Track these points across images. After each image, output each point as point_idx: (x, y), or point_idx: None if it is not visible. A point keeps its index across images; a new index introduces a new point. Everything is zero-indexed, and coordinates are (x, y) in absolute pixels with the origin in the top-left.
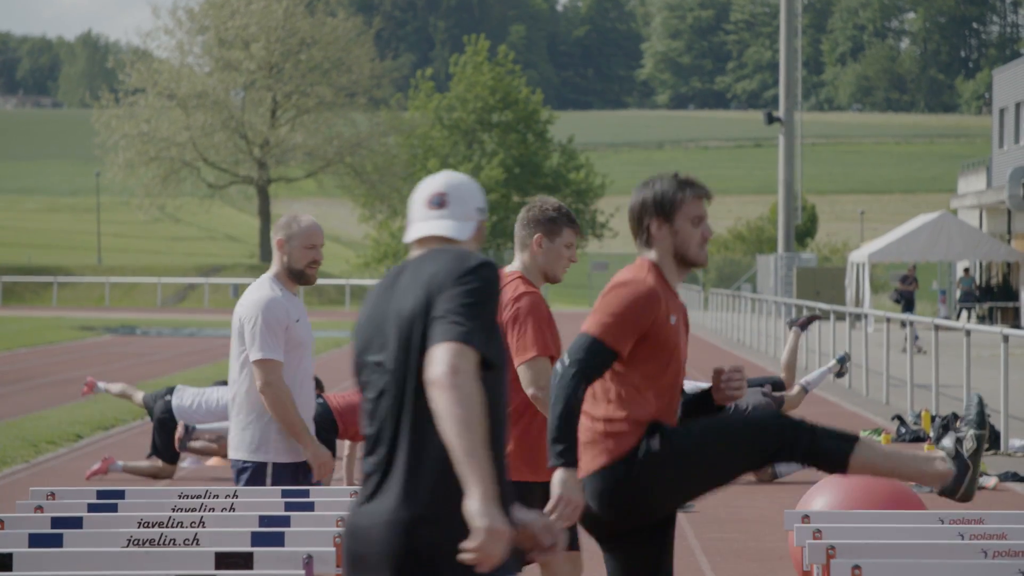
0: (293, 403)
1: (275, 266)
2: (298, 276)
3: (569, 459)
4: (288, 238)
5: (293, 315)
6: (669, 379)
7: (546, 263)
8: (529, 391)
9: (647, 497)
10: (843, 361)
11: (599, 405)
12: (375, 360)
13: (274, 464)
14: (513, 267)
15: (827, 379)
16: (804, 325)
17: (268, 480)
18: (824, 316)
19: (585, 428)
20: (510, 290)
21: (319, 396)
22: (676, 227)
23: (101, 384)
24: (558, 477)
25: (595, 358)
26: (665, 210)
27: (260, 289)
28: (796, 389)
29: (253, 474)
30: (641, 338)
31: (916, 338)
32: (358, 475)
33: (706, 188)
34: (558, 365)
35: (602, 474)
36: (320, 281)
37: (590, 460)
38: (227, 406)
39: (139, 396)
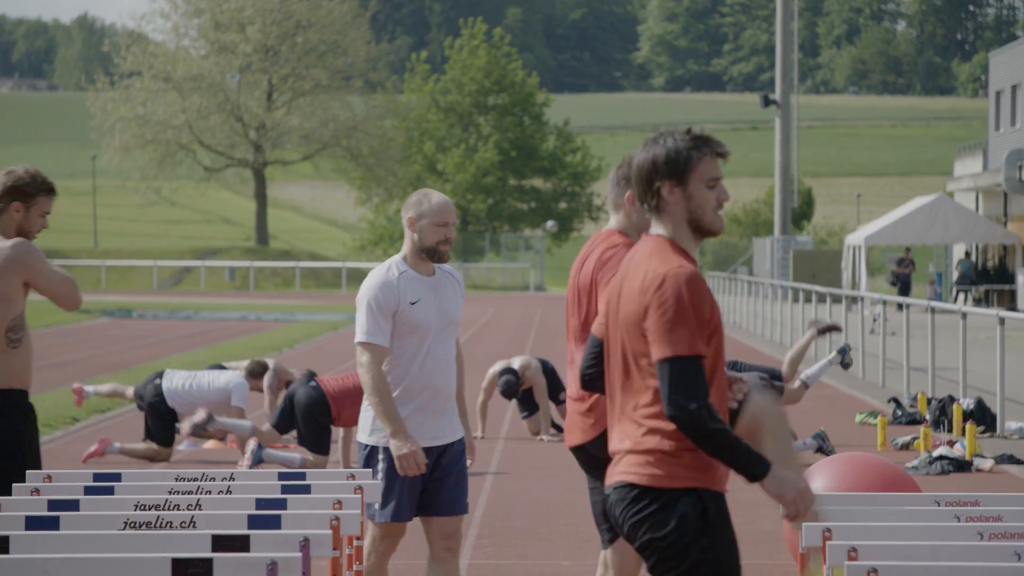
0: (385, 389)
1: (406, 246)
2: (430, 253)
3: (765, 464)
4: (419, 216)
5: (408, 297)
6: (721, 363)
7: (641, 221)
8: None
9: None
10: (844, 352)
11: (650, 403)
12: None
13: (386, 448)
14: (610, 226)
15: (827, 372)
16: (823, 331)
17: (379, 464)
18: (840, 328)
19: (635, 427)
20: (606, 243)
21: (312, 380)
22: (690, 190)
23: (89, 388)
24: (772, 480)
25: (701, 377)
26: (678, 171)
27: (377, 273)
28: (797, 384)
29: (367, 457)
30: None
31: (886, 320)
32: (353, 457)
33: (723, 145)
34: (680, 414)
35: (642, 491)
36: (316, 264)
37: (638, 466)
38: (221, 389)
39: (129, 391)
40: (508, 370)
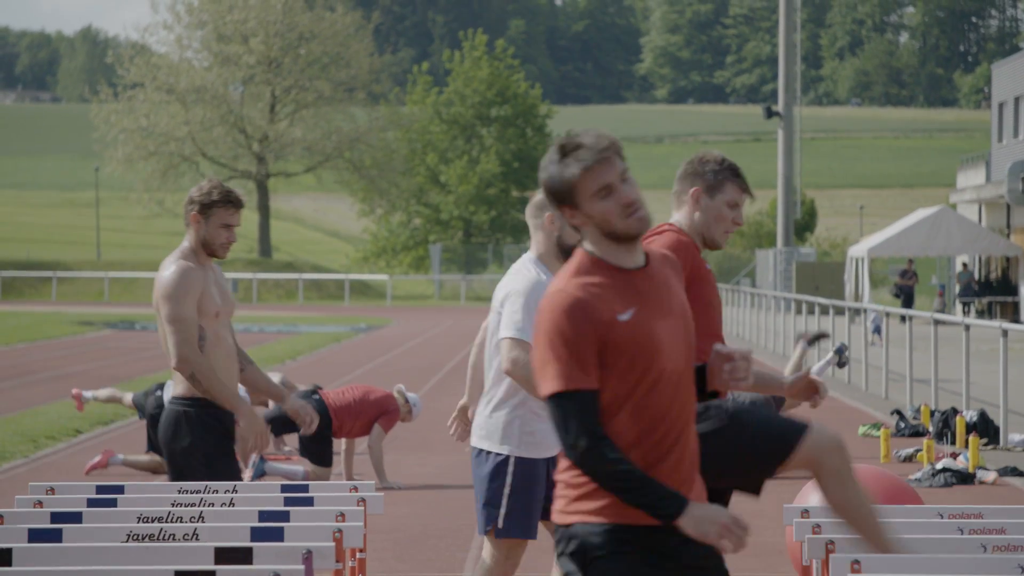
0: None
1: (540, 246)
2: (568, 253)
3: (679, 502)
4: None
5: None
6: (648, 391)
7: (704, 224)
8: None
9: None
10: (841, 351)
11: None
12: None
13: (518, 459)
14: (670, 221)
15: (828, 372)
16: (811, 341)
17: (509, 477)
18: (827, 334)
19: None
20: (664, 240)
21: (316, 394)
22: (585, 211)
23: (87, 393)
24: (689, 519)
25: (588, 412)
26: (565, 198)
27: (523, 273)
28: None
29: (496, 468)
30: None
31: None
32: (357, 469)
33: (597, 148)
34: (572, 454)
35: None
36: (319, 276)
37: (568, 510)
38: None
39: (128, 398)
40: None
